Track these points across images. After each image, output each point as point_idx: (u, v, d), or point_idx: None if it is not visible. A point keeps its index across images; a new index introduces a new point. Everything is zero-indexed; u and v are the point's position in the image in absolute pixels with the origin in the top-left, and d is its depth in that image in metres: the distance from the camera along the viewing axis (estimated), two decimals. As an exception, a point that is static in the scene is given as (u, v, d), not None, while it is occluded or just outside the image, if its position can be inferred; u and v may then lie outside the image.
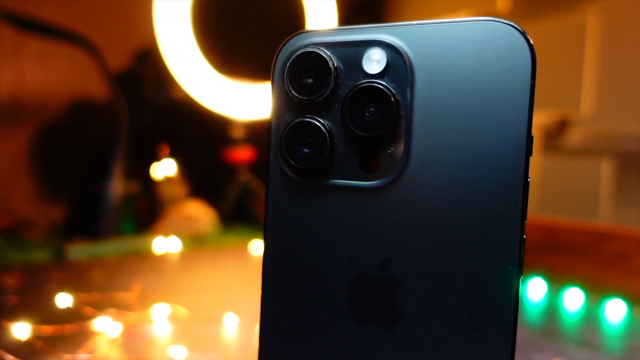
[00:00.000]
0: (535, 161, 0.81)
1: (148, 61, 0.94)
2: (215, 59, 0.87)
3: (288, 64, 0.21)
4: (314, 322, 0.21)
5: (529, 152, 0.18)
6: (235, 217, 0.94)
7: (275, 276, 0.22)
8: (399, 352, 0.20)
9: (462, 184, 0.19)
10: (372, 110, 0.20)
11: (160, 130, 0.96)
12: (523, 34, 0.18)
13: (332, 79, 0.20)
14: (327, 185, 0.21)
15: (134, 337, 0.41)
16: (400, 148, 0.20)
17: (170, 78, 0.85)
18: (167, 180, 0.89)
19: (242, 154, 0.95)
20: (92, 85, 0.92)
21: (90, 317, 0.44)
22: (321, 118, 0.21)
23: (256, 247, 0.80)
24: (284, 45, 0.22)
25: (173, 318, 0.46)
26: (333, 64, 0.20)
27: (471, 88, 0.19)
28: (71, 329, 0.42)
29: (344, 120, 0.20)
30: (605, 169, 0.75)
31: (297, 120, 0.21)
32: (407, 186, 0.20)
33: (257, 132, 0.97)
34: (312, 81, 0.20)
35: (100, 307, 0.46)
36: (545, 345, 0.43)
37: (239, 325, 0.45)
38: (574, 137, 0.79)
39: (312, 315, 0.21)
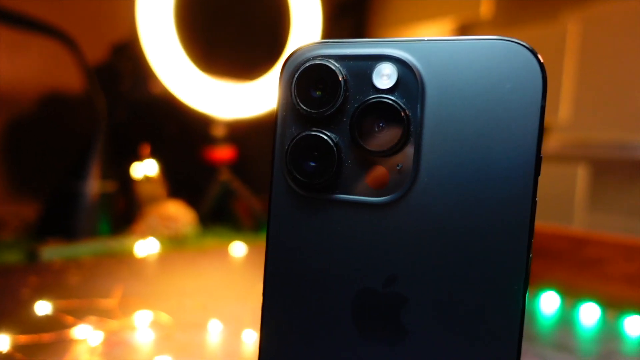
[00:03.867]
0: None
1: (125, 55, 0.91)
2: (197, 56, 0.86)
3: (296, 76, 0.20)
4: (318, 337, 0.21)
5: (537, 172, 0.18)
6: (215, 217, 0.93)
7: (277, 291, 0.22)
8: (404, 369, 0.20)
9: (469, 202, 0.19)
10: (381, 126, 0.19)
11: (138, 127, 0.94)
12: (535, 54, 0.18)
13: (341, 93, 0.20)
14: (333, 200, 0.20)
15: (116, 346, 0.40)
16: (409, 164, 0.19)
17: (149, 73, 0.83)
18: (146, 179, 0.87)
19: (223, 153, 0.94)
20: (68, 79, 0.88)
21: (69, 325, 0.42)
22: (329, 132, 0.20)
23: (237, 248, 0.79)
24: (291, 55, 0.21)
25: (156, 324, 0.45)
26: (343, 77, 0.20)
27: (482, 106, 0.19)
28: (49, 338, 0.40)
29: (353, 135, 0.20)
30: (581, 175, 0.77)
31: (304, 134, 0.20)
32: (415, 203, 0.19)
33: (238, 132, 0.96)
34: (321, 94, 0.20)
35: (79, 314, 0.45)
36: (523, 348, 0.44)
37: (223, 332, 0.44)
38: (552, 143, 0.81)
39: (316, 330, 0.21)
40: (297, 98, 0.20)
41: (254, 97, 0.93)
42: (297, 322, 0.21)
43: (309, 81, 0.20)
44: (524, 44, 0.18)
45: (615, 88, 0.72)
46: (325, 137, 0.20)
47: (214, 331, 0.44)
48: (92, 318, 0.44)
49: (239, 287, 0.61)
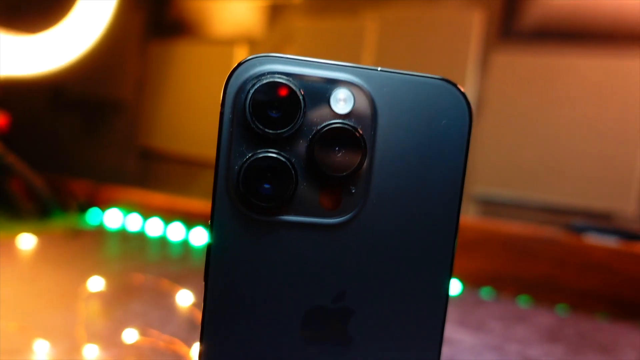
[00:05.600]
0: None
1: None
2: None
3: (252, 92, 0.19)
4: (265, 352, 0.21)
5: (462, 194, 0.22)
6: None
7: (222, 315, 0.20)
8: (349, 374, 0.22)
9: (408, 220, 0.21)
10: (342, 151, 0.20)
11: None
12: (465, 97, 0.21)
13: (301, 114, 0.19)
14: (285, 222, 0.20)
15: None
16: (361, 187, 0.21)
17: None
18: None
19: (-9, 120, 0.74)
20: None
21: None
22: (285, 153, 0.20)
23: (25, 241, 0.65)
24: (239, 66, 0.19)
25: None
26: (303, 99, 0.19)
27: (422, 136, 0.21)
28: None
29: (312, 158, 0.20)
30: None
31: (260, 155, 0.19)
32: (364, 223, 0.21)
33: (10, 94, 0.77)
34: (279, 114, 0.19)
35: None
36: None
37: (53, 353, 0.38)
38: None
39: (263, 346, 0.21)
40: (253, 116, 0.19)
41: (32, 53, 0.76)
42: (244, 342, 0.21)
43: (266, 99, 0.19)
44: (458, 86, 0.21)
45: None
46: (284, 159, 0.19)
47: (41, 354, 0.37)
48: None
49: (47, 291, 0.52)
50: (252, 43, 0.99)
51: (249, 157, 0.19)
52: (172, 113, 1.06)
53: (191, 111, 1.04)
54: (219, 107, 0.19)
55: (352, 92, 0.20)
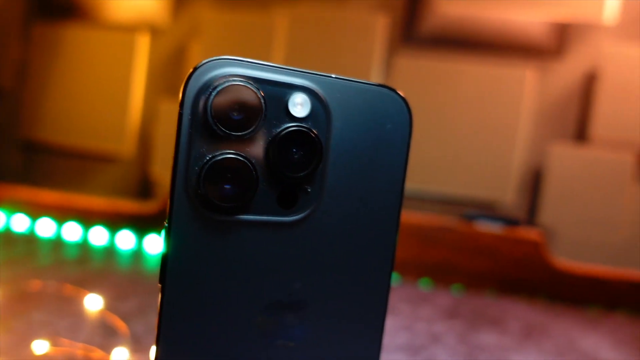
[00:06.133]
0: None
1: None
2: None
3: (214, 95, 0.19)
4: (224, 346, 0.21)
5: (403, 189, 0.24)
6: None
7: (180, 317, 0.20)
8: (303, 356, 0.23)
9: (358, 217, 0.23)
10: (299, 152, 0.21)
11: None
12: (406, 104, 0.23)
13: (262, 117, 0.20)
14: (244, 222, 0.21)
15: None
16: (316, 186, 0.22)
17: None
18: None
19: None
20: None
21: None
22: (246, 154, 0.20)
23: None
24: (196, 69, 0.19)
25: None
26: (264, 102, 0.20)
27: (369, 139, 0.23)
28: None
29: (271, 160, 0.20)
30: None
31: (221, 156, 0.19)
32: (318, 220, 0.22)
33: None
34: (241, 116, 0.20)
35: None
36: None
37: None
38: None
39: (224, 342, 0.21)
40: (215, 118, 0.19)
41: None
42: (203, 342, 0.21)
43: (228, 102, 0.19)
44: (402, 95, 0.23)
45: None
46: (246, 161, 0.20)
47: None
48: None
49: None
50: (155, 31, 0.94)
51: (210, 159, 0.19)
52: (62, 103, 0.96)
53: (85, 101, 0.96)
54: (177, 109, 0.19)
55: (308, 97, 0.21)
